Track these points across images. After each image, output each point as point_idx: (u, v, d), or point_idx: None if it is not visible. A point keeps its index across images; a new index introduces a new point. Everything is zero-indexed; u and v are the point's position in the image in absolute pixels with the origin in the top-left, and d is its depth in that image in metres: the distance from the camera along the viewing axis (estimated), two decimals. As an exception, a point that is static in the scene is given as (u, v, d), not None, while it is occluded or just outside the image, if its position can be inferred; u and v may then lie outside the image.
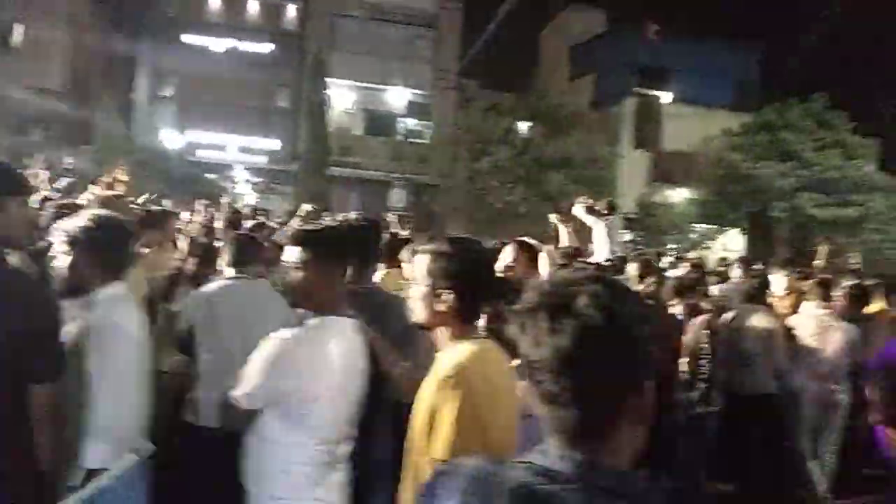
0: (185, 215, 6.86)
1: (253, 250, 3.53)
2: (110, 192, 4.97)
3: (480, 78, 25.62)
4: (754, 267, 7.49)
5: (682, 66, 23.22)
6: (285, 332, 2.06)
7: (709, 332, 4.43)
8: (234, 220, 6.64)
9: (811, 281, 5.14)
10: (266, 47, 22.40)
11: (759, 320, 4.62)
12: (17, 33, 18.74)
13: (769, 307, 4.92)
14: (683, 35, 23.39)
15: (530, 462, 0.98)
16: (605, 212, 9.37)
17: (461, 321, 1.76)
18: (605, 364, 0.92)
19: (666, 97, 22.65)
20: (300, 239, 2.14)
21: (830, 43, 23.16)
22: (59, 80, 19.11)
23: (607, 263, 6.60)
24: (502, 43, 24.12)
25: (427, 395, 1.67)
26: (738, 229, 20.29)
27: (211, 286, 3.42)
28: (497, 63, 27.12)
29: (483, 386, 1.63)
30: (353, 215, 3.24)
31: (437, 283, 1.72)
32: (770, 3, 37.69)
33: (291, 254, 2.12)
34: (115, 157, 11.81)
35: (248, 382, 2.02)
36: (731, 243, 20.17)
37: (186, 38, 21.75)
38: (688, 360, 4.21)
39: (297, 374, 1.98)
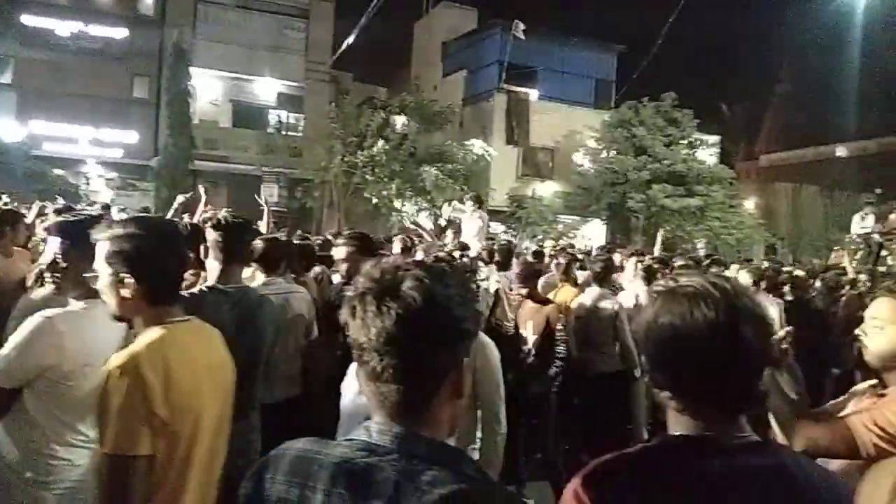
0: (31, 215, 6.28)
1: None
2: None
3: (355, 70, 25.44)
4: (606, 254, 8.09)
5: (547, 65, 24.33)
6: (47, 311, 1.98)
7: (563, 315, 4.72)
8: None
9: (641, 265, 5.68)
10: (120, 32, 20.80)
11: (606, 303, 5.02)
12: None
13: (617, 290, 5.36)
14: (548, 36, 24.48)
15: (352, 438, 1.03)
16: (475, 206, 9.76)
17: (149, 306, 1.71)
18: (427, 344, 0.99)
19: (533, 95, 23.62)
20: (58, 229, 2.16)
21: (677, 46, 25.23)
22: None
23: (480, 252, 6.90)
24: (376, 36, 24.02)
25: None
26: (599, 220, 21.66)
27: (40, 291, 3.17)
28: (371, 56, 26.96)
29: (158, 374, 1.58)
30: (222, 213, 3.14)
31: (117, 268, 1.67)
32: (626, 8, 40.41)
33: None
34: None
35: (3, 360, 1.90)
36: (594, 233, 21.50)
37: (26, 19, 19.74)
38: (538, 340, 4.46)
39: (55, 353, 1.91)
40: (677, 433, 1.16)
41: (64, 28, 20.11)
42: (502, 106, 23.19)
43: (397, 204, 18.35)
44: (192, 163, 18.85)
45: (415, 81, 23.78)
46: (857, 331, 1.82)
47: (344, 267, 3.59)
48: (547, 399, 4.56)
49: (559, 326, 4.52)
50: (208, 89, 21.54)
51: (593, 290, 5.16)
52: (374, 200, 18.47)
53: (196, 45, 20.60)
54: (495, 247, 6.64)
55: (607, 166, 20.27)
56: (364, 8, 19.86)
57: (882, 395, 1.75)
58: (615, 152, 20.46)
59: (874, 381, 1.84)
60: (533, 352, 4.47)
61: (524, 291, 4.63)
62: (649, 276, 5.35)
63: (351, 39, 20.77)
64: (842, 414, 1.76)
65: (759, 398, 1.15)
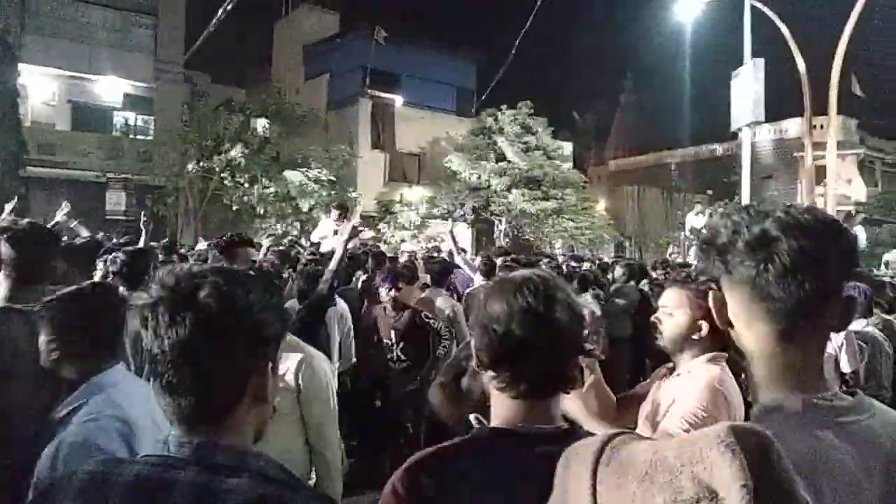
0: None
1: None
2: None
3: (211, 71, 24.26)
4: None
5: (410, 72, 24.66)
6: None
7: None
8: None
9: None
10: (-71, 22, 18.36)
11: (441, 302, 5.28)
12: None
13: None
14: (410, 42, 24.81)
15: (148, 455, 0.99)
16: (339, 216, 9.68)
17: None
18: (224, 351, 0.96)
19: (398, 101, 23.83)
20: None
21: (533, 56, 26.56)
22: None
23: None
24: (233, 36, 23.11)
25: None
26: (465, 223, 22.29)
27: None
28: (228, 56, 25.91)
29: None
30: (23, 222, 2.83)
31: None
32: (484, 18, 41.90)
33: None
34: None
35: None
36: (460, 235, 22.08)
37: None
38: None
39: None
40: (492, 425, 1.23)
41: None
42: (367, 111, 23.18)
43: (259, 210, 17.73)
44: (23, 169, 17.02)
45: (276, 84, 23.14)
46: (652, 318, 2.03)
47: None
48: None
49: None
50: (42, 89, 19.59)
51: (434, 292, 5.36)
52: (235, 207, 17.73)
53: (25, 39, 18.65)
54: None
55: (470, 172, 20.91)
56: (219, 5, 19.07)
57: (673, 374, 1.98)
58: (476, 158, 21.17)
59: (671, 364, 2.06)
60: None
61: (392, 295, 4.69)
62: (488, 271, 5.63)
63: (203, 38, 19.84)
64: (647, 402, 1.97)
65: (570, 382, 1.23)
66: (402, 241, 19.06)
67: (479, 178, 20.74)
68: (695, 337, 1.93)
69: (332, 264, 3.65)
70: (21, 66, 17.97)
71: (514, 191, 20.16)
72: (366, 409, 4.93)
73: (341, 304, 4.86)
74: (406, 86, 24.34)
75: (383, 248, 11.36)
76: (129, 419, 1.65)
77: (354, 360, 5.03)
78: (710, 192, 15.12)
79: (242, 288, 1.00)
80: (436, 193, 21.79)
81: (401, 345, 4.61)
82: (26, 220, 2.75)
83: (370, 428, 4.89)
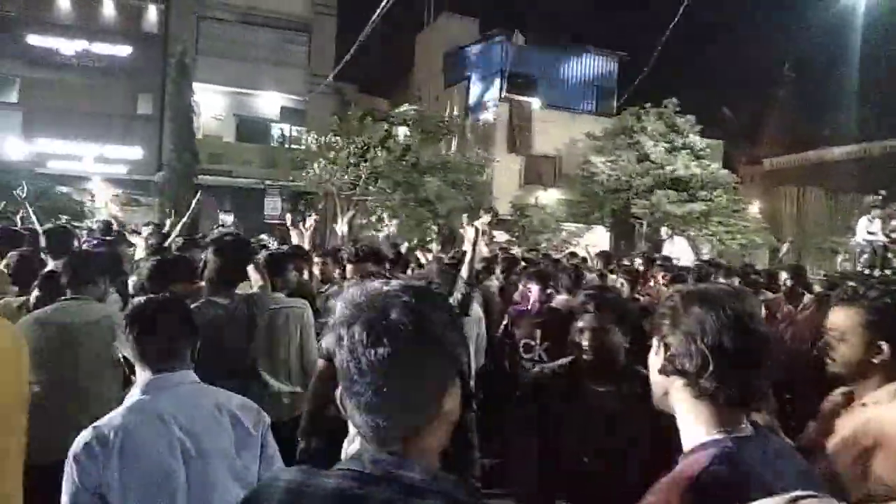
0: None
1: (88, 270, 3.33)
2: None
3: (357, 83, 25.58)
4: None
5: (548, 73, 24.42)
6: None
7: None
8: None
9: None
10: (124, 50, 21.03)
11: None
12: None
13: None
14: (549, 44, 24.58)
15: (344, 469, 1.00)
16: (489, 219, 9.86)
17: None
18: (419, 371, 0.97)
19: (535, 103, 23.69)
20: None
21: (678, 52, 25.27)
22: None
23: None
24: (379, 48, 24.19)
25: None
26: (603, 227, 21.63)
27: (42, 311, 3.21)
28: (374, 68, 27.15)
29: None
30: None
31: None
32: (627, 14, 40.50)
33: None
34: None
35: None
36: (597, 240, 21.47)
37: (32, 39, 19.99)
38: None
39: None
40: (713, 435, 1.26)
41: (69, 47, 20.36)
42: (504, 115, 23.27)
43: (400, 214, 18.38)
44: (195, 178, 18.98)
45: (416, 93, 23.90)
46: (820, 343, 1.81)
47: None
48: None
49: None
50: (212, 104, 21.72)
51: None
52: (378, 212, 18.56)
53: (199, 60, 20.79)
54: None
55: (610, 173, 20.28)
56: (366, 20, 20.05)
57: (855, 403, 1.75)
58: (618, 159, 20.47)
59: (845, 389, 1.83)
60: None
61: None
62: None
63: (352, 52, 20.94)
64: (836, 437, 1.74)
65: (763, 395, 1.33)
66: (537, 244, 18.89)
67: (619, 179, 20.05)
68: (875, 360, 1.70)
69: (464, 270, 3.65)
70: (195, 85, 20.07)
71: (657, 192, 19.24)
72: (501, 410, 4.91)
73: (476, 310, 4.89)
74: (544, 88, 24.15)
75: (517, 251, 11.30)
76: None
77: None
78: (882, 192, 13.40)
79: (431, 306, 1.01)
80: (572, 196, 21.38)
81: (544, 345, 4.57)
82: (230, 232, 3.18)
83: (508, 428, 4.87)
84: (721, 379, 1.23)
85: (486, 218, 7.96)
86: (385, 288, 1.02)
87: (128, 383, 2.18)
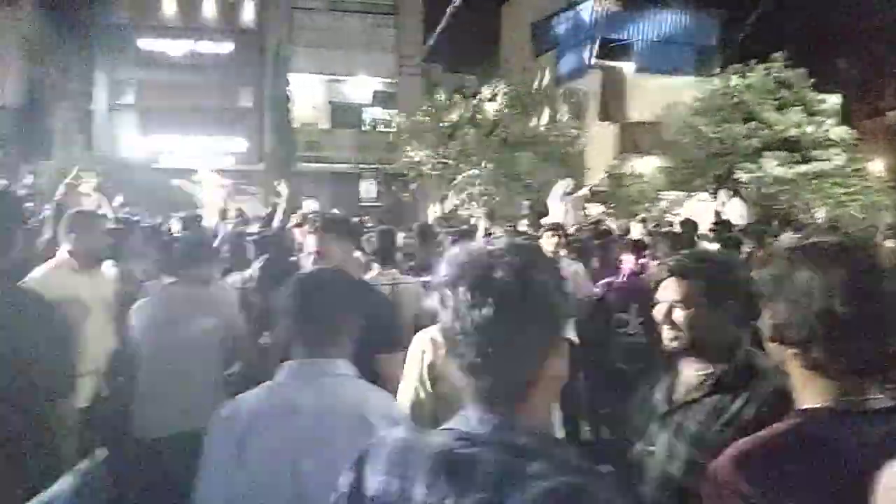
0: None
1: (198, 253, 3.54)
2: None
3: (445, 62, 25.57)
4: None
5: (643, 36, 23.30)
6: None
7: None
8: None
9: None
10: (225, 47, 22.14)
11: None
12: (-32, 53, 18.41)
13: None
14: (643, 4, 23.43)
15: (451, 428, 1.02)
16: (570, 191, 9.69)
17: None
18: (524, 332, 0.96)
19: (629, 68, 22.72)
20: None
21: (787, 2, 23.30)
22: (15, 97, 18.78)
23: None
24: (464, 24, 24.03)
25: None
26: (707, 193, 20.49)
27: (153, 294, 3.46)
28: (460, 45, 26.99)
29: None
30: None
31: None
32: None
33: None
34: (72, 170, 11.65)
35: None
36: (702, 208, 20.38)
37: (142, 43, 21.46)
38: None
39: None
40: (815, 405, 1.16)
41: (176, 48, 21.70)
42: (597, 82, 22.50)
43: (492, 190, 18.27)
44: (294, 165, 19.76)
45: (504, 66, 23.56)
46: None
47: None
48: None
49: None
50: (308, 93, 22.45)
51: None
52: (469, 189, 18.54)
53: (293, 51, 21.52)
54: None
55: (712, 136, 19.10)
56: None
57: None
58: (719, 121, 19.23)
59: None
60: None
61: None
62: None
63: (439, 31, 20.96)
64: None
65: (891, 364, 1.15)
66: (635, 215, 18.22)
67: (722, 142, 18.85)
68: None
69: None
70: (291, 76, 20.83)
71: (765, 154, 17.94)
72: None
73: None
74: (638, 51, 23.09)
75: (613, 223, 10.94)
76: None
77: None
78: None
79: (536, 267, 0.99)
80: (672, 163, 20.38)
81: (640, 319, 4.43)
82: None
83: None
84: (832, 349, 1.11)
85: (584, 190, 7.79)
86: (489, 247, 1.01)
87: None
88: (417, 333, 2.46)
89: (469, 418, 1.00)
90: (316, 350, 1.76)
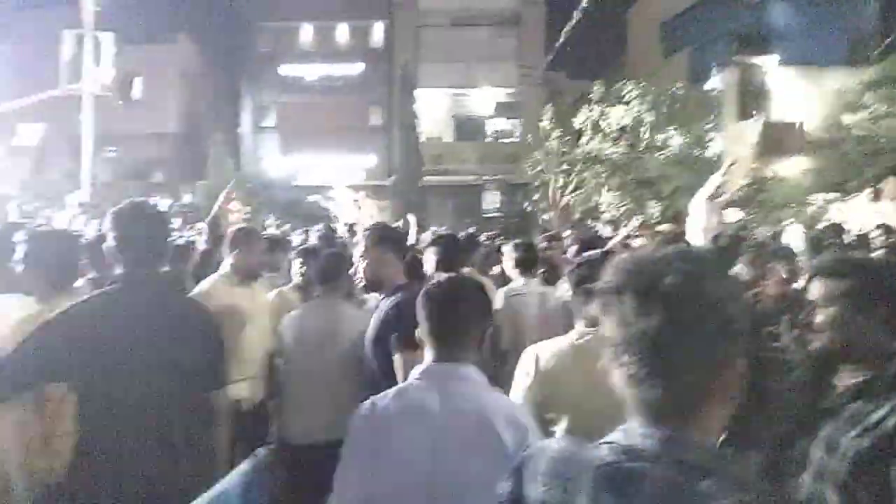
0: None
1: (336, 270, 3.69)
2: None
3: (568, 69, 25.22)
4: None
5: (785, 27, 21.57)
6: None
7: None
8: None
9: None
10: (356, 68, 23.32)
11: None
12: (137, 86, 20.70)
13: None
14: (787, -6, 21.75)
15: (611, 441, 0.97)
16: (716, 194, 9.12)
17: None
18: (694, 343, 0.90)
19: (770, 62, 21.13)
20: None
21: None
22: (174, 124, 20.94)
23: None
24: (588, 30, 23.57)
25: None
26: (865, 196, 18.52)
27: (300, 308, 3.65)
28: (585, 52, 26.56)
29: None
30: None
31: None
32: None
33: None
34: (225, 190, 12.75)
35: None
36: (860, 211, 18.45)
37: (283, 69, 23.10)
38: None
39: None
40: None
41: (312, 72, 23.17)
42: (734, 80, 21.12)
43: (608, 198, 17.69)
44: (421, 179, 20.30)
45: (631, 69, 22.82)
46: None
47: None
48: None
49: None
50: (432, 107, 23.04)
51: None
52: (595, 197, 18.08)
53: (419, 68, 22.18)
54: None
55: (872, 133, 17.24)
56: (575, 5, 19.64)
57: None
58: (878, 115, 17.32)
59: None
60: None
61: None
62: None
63: (563, 38, 20.67)
64: None
65: None
66: (780, 221, 16.84)
67: (882, 140, 16.96)
68: None
69: None
70: (417, 91, 21.49)
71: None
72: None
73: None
74: (780, 44, 21.38)
75: (758, 231, 10.17)
76: None
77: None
78: None
79: (708, 273, 0.93)
80: (821, 164, 18.63)
81: (794, 333, 4.09)
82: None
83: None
84: None
85: (726, 195, 7.34)
86: (658, 253, 0.97)
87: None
88: (528, 347, 2.41)
89: (632, 432, 0.95)
90: (445, 355, 1.83)
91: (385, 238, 2.91)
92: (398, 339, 2.54)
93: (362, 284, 3.21)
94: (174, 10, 21.05)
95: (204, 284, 3.69)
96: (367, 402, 1.82)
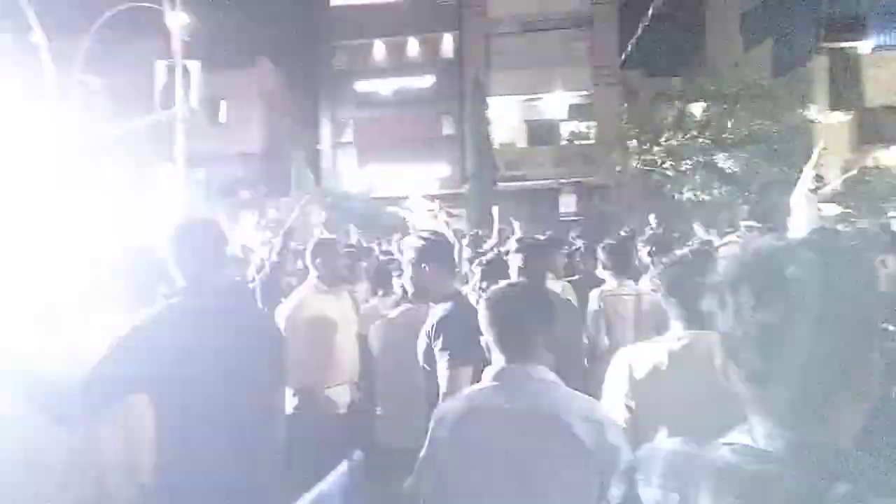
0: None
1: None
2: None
3: (644, 67, 24.56)
4: None
5: (881, 8, 20.18)
6: None
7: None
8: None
9: None
10: (428, 80, 23.61)
11: None
12: (223, 109, 21.80)
13: None
14: (880, -29, 20.36)
15: (731, 442, 0.91)
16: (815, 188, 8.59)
17: None
18: (824, 338, 0.83)
19: (865, 47, 19.83)
20: None
21: None
22: (257, 144, 21.87)
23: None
24: (664, 26, 22.87)
25: None
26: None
27: (390, 314, 3.72)
28: (660, 48, 25.75)
29: None
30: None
31: None
32: None
33: None
34: (311, 205, 13.21)
35: None
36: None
37: (358, 86, 23.70)
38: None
39: None
40: None
41: (385, 87, 23.65)
42: (824, 67, 19.94)
43: (702, 197, 17.03)
44: (495, 185, 20.27)
45: (710, 64, 22.02)
46: None
47: None
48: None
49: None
50: (505, 114, 22.99)
51: None
52: (677, 196, 17.48)
53: (490, 75, 22.22)
54: None
55: None
56: (648, 1, 19.11)
57: None
58: None
59: None
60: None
61: None
62: None
63: (637, 35, 20.15)
64: None
65: None
66: (884, 213, 15.69)
67: None
68: None
69: None
70: (489, 99, 21.52)
71: None
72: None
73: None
74: (876, 27, 20.01)
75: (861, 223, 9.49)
76: None
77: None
78: None
79: (837, 263, 0.86)
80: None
81: None
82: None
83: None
84: None
85: (828, 187, 6.88)
86: (778, 242, 0.90)
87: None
88: (620, 350, 2.33)
89: (755, 433, 0.88)
90: (517, 356, 1.85)
91: (430, 249, 2.88)
92: (442, 352, 2.55)
93: (410, 293, 3.21)
94: (254, 35, 22.03)
95: (294, 294, 3.87)
96: (443, 404, 1.90)
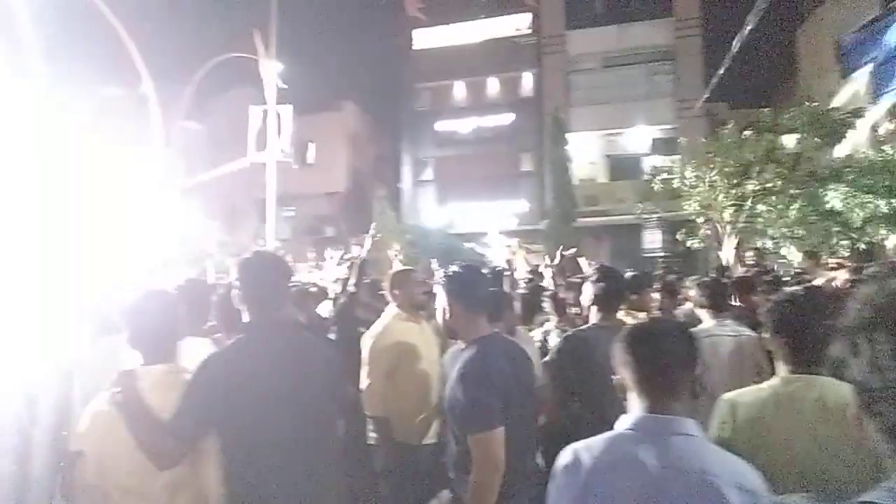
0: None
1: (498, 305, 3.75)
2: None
3: (730, 98, 23.82)
4: None
5: None
6: None
7: None
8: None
9: None
10: (507, 118, 23.84)
11: None
12: (311, 151, 22.79)
13: None
14: None
15: (874, 501, 0.84)
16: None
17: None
18: None
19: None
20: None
21: None
22: (342, 183, 22.67)
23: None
24: (751, 56, 22.23)
25: None
26: None
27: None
28: (748, 79, 25.01)
29: None
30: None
31: None
32: None
33: None
34: (390, 240, 13.53)
35: None
36: None
37: (438, 125, 24.23)
38: None
39: None
40: None
41: (465, 126, 24.06)
42: (931, 94, 18.65)
43: (798, 232, 16.11)
44: (574, 221, 20.01)
45: (804, 93, 21.07)
46: None
47: None
48: None
49: None
50: (585, 150, 22.81)
51: None
52: (771, 232, 16.61)
53: (570, 112, 22.17)
54: None
55: None
56: (733, 33, 18.59)
57: None
58: None
59: None
60: None
61: None
62: None
63: (722, 70, 19.59)
64: None
65: None
66: None
67: None
68: None
69: None
70: (568, 135, 21.43)
71: None
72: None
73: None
74: None
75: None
76: None
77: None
78: None
79: None
80: None
81: None
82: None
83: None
84: None
85: None
86: None
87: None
88: (721, 396, 2.17)
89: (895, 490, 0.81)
90: (657, 404, 1.66)
91: (456, 289, 2.59)
92: (465, 416, 2.34)
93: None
94: (340, 80, 23.11)
95: (377, 322, 3.96)
96: (569, 451, 1.69)
